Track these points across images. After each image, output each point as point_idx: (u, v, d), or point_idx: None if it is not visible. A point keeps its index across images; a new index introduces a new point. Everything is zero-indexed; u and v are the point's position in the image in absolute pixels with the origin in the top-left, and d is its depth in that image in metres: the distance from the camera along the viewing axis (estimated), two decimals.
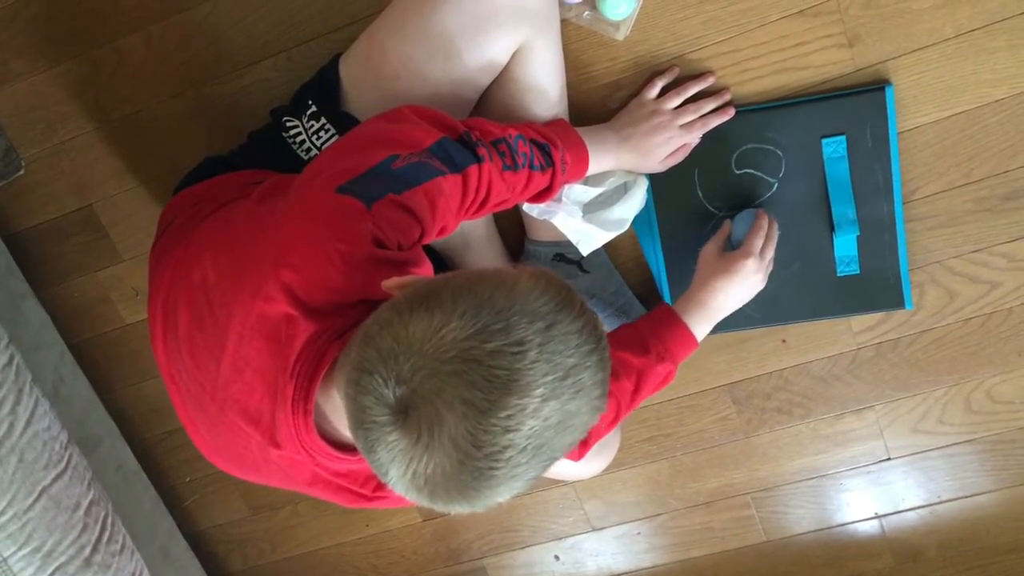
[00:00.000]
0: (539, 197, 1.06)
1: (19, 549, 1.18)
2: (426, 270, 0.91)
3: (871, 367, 1.35)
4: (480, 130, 0.96)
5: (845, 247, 1.24)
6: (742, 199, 1.24)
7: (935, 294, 1.29)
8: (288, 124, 1.12)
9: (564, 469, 1.11)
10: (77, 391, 1.49)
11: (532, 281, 0.69)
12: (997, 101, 1.18)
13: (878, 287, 1.26)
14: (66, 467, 1.25)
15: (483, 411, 0.64)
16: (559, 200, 1.14)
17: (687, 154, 1.20)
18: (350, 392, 0.69)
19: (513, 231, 1.32)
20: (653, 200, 1.25)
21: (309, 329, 0.79)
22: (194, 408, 0.95)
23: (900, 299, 1.26)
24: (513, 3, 1.01)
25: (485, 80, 1.07)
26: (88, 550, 1.25)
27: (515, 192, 1.00)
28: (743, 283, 1.12)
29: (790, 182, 1.22)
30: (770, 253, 1.15)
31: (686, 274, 1.18)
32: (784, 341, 1.35)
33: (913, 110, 1.19)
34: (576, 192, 1.15)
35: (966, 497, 1.45)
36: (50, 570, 1.20)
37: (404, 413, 0.66)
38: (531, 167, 1.00)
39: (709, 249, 1.16)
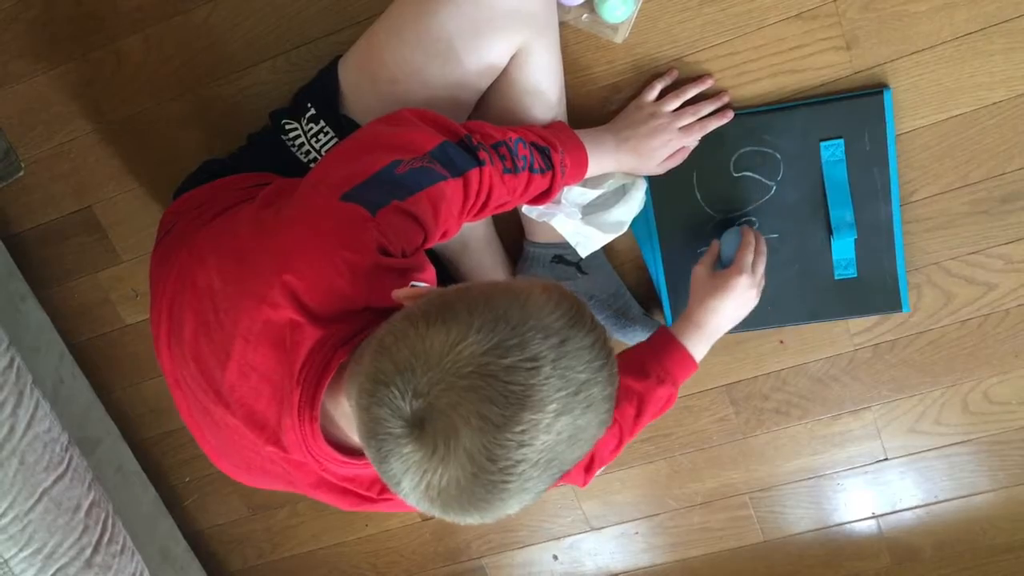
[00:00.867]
0: (538, 199, 1.06)
1: (20, 551, 1.18)
2: (429, 275, 0.91)
3: (868, 368, 1.36)
4: (481, 133, 0.96)
5: (843, 250, 1.24)
6: (740, 202, 1.24)
7: (932, 295, 1.30)
8: (287, 127, 1.12)
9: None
10: (77, 392, 1.49)
11: (545, 295, 0.70)
12: (994, 104, 1.18)
13: (875, 290, 1.26)
14: (67, 469, 1.25)
15: (498, 426, 0.65)
16: (558, 202, 1.15)
17: (686, 156, 1.20)
18: (363, 402, 0.69)
19: (512, 233, 1.32)
20: (652, 202, 1.25)
21: (315, 335, 0.80)
22: (199, 413, 0.95)
23: (897, 302, 1.27)
24: (512, 6, 1.01)
25: (484, 83, 1.06)
26: (89, 551, 1.25)
27: (515, 195, 1.00)
28: (738, 300, 1.11)
29: (788, 185, 1.22)
30: (761, 268, 1.14)
31: (684, 276, 1.18)
32: (782, 342, 1.36)
33: (911, 113, 1.19)
34: (575, 194, 1.15)
35: (963, 497, 1.45)
36: (51, 572, 1.21)
37: (420, 426, 0.66)
38: (531, 170, 1.00)
39: (700, 270, 1.15)
